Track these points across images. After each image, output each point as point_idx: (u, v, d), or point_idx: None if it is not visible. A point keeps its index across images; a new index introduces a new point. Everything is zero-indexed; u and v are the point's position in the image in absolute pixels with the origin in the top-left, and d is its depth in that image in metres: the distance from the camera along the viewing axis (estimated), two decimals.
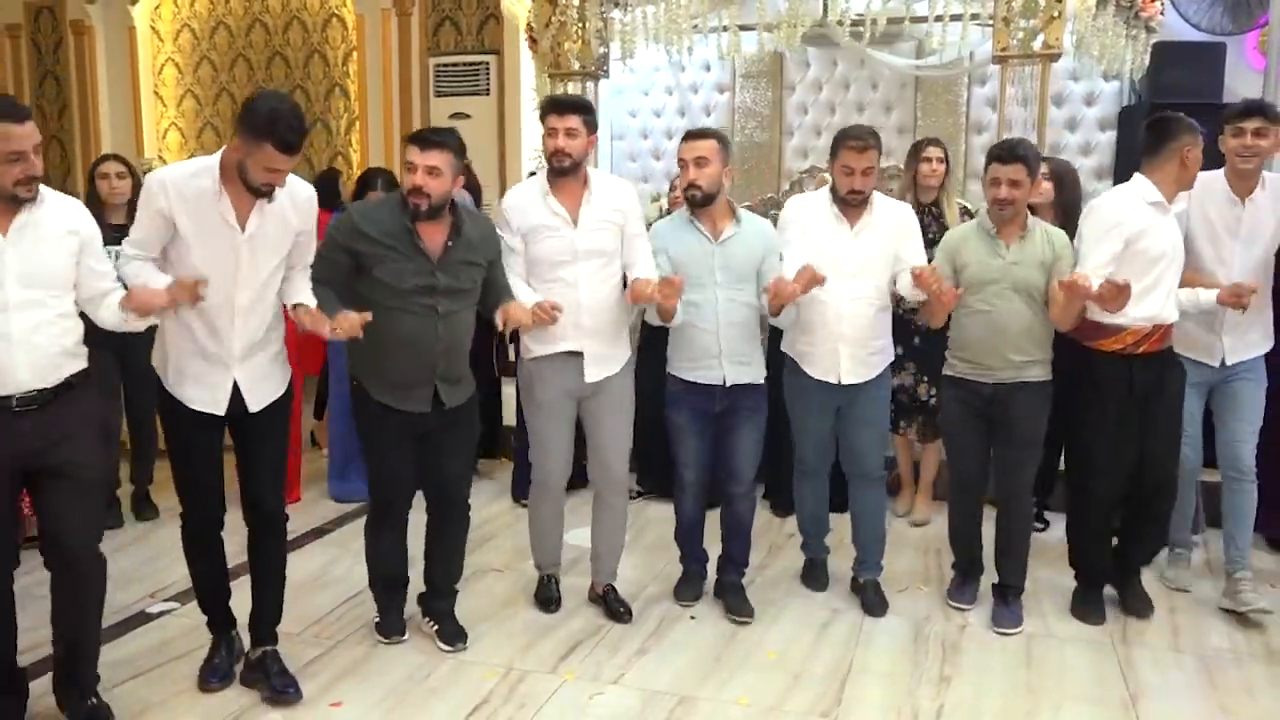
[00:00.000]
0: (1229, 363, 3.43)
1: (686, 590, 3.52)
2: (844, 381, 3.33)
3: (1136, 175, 3.31)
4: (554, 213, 3.16)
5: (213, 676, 2.90)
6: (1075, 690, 2.94)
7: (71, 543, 2.59)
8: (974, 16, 4.54)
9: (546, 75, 5.16)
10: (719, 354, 3.27)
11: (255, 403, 2.78)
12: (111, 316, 2.59)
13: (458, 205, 2.98)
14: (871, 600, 3.47)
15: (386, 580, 3.20)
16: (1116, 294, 2.96)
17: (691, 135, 3.30)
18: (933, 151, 4.16)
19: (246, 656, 2.97)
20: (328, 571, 3.72)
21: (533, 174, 4.37)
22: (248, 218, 2.66)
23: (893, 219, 3.36)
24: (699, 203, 3.26)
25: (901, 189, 4.24)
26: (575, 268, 3.16)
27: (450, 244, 2.94)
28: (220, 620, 3.00)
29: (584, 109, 3.18)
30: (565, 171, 3.13)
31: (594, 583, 3.51)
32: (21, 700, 2.69)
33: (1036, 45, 4.54)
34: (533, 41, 5.42)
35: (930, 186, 4.17)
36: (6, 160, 2.34)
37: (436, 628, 3.19)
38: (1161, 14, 5.04)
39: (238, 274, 2.68)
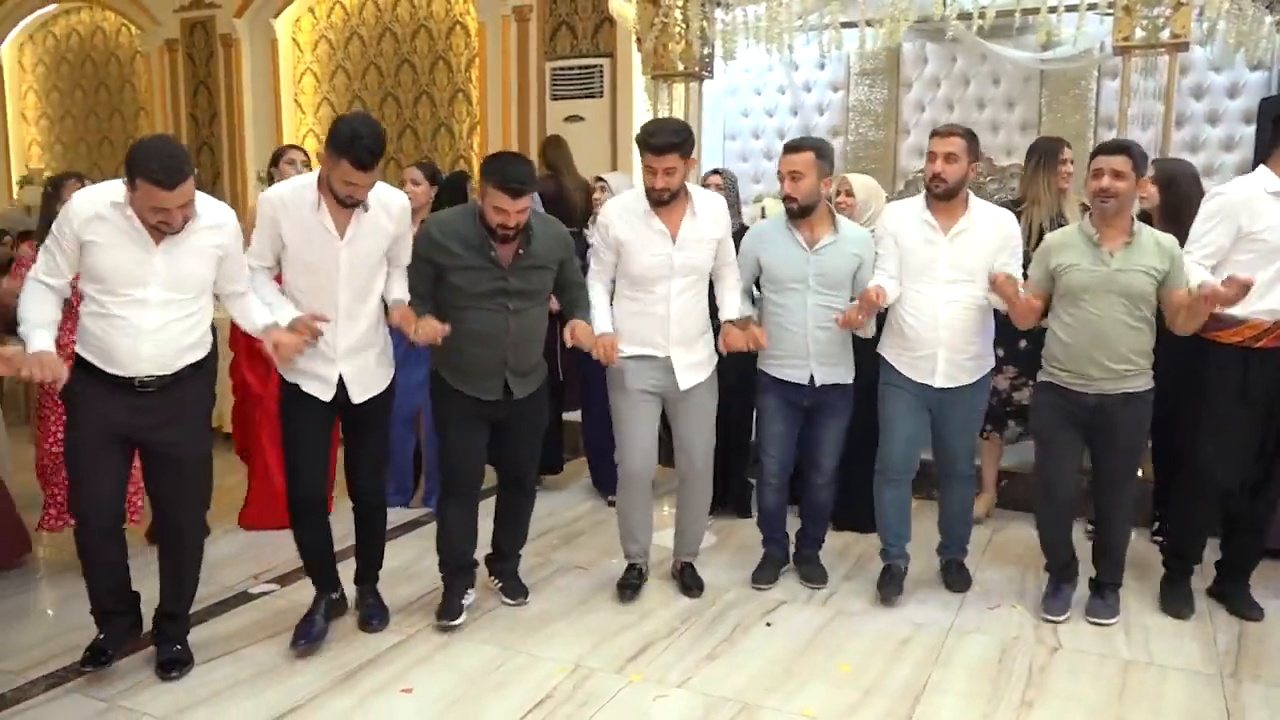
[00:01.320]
0: None
1: (763, 574, 3.62)
2: (937, 385, 3.33)
3: (1260, 166, 3.19)
4: (654, 230, 3.25)
5: (302, 638, 3.09)
6: None
7: (173, 513, 2.93)
8: (1092, 6, 4.29)
9: (650, 77, 5.17)
10: (808, 355, 3.37)
11: (359, 394, 3.05)
12: (241, 320, 2.97)
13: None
14: (954, 577, 3.59)
15: (453, 559, 3.32)
16: (1241, 291, 2.87)
17: (788, 148, 3.36)
18: (1068, 153, 4.05)
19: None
20: (416, 563, 3.82)
21: (599, 179, 4.38)
22: (346, 226, 2.92)
23: (991, 225, 3.31)
24: (796, 214, 3.35)
25: (1037, 191, 3.96)
26: (670, 283, 3.27)
27: (521, 252, 3.08)
28: (325, 581, 3.23)
29: (679, 147, 3.17)
30: (665, 203, 3.22)
31: (674, 561, 3.66)
32: (137, 619, 3.03)
33: (1164, 35, 4.26)
34: (640, 43, 5.45)
35: (1063, 189, 4.04)
36: (150, 212, 2.63)
37: (501, 585, 3.49)
38: None
39: (339, 277, 2.95)
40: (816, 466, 3.57)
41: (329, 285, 2.96)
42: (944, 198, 3.26)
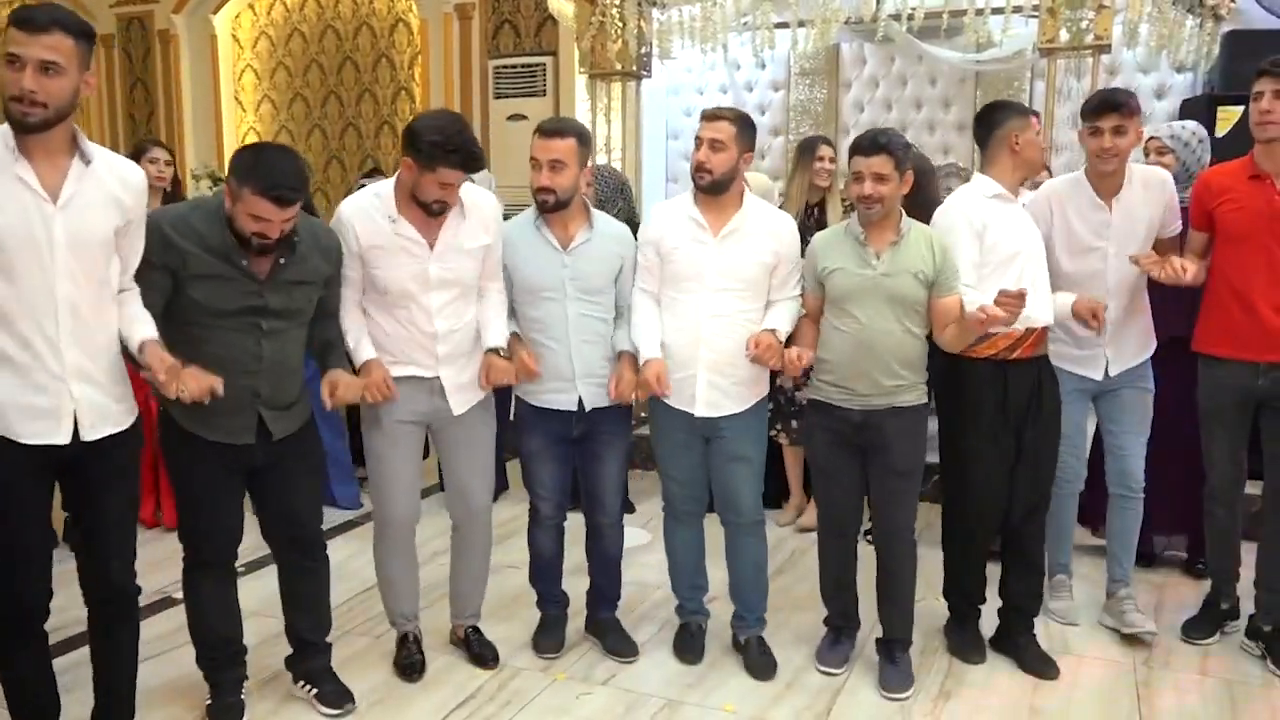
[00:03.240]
0: (1113, 373, 3.19)
1: (548, 640, 3.16)
2: (699, 414, 2.89)
3: (976, 174, 3.08)
4: (403, 238, 2.72)
5: None
6: (1082, 712, 2.82)
7: None
8: (1017, 9, 4.36)
9: (588, 75, 5.18)
10: (573, 375, 2.91)
11: (92, 428, 2.25)
12: None
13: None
14: (756, 660, 3.03)
15: (215, 649, 2.73)
16: (1017, 304, 2.60)
17: (547, 132, 2.82)
18: (826, 151, 4.06)
19: None
20: (346, 565, 3.78)
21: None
22: (60, 185, 2.16)
23: (766, 228, 2.87)
24: (552, 209, 2.84)
25: (791, 189, 4.11)
26: (429, 296, 2.76)
27: (282, 262, 2.50)
28: None
29: (480, 167, 2.78)
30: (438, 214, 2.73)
31: (454, 625, 3.17)
32: None
33: (1089, 38, 4.34)
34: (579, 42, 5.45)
35: (820, 188, 4.09)
36: None
37: (315, 691, 2.80)
38: (1233, 1, 4.77)
39: (55, 257, 2.15)
40: (600, 506, 3.07)
41: (39, 270, 2.13)
42: (710, 191, 2.81)
